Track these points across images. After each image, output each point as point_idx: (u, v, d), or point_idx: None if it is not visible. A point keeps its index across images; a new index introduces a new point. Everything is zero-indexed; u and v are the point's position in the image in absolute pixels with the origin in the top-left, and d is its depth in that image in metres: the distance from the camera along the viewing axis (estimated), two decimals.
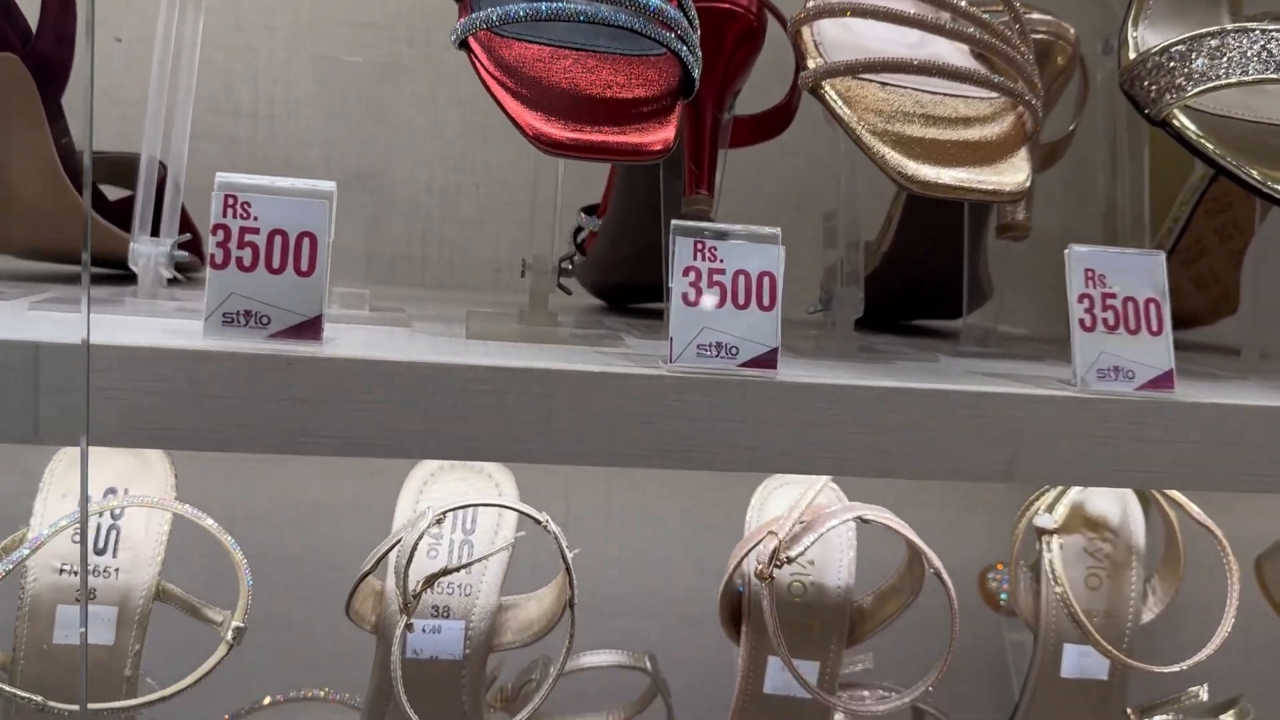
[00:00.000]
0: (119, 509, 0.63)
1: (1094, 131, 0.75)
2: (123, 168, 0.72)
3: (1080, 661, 0.70)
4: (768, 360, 0.51)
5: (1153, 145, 0.76)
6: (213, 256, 0.47)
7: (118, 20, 0.86)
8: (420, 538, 0.56)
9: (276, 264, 0.48)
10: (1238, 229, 0.78)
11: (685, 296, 0.51)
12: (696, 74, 0.55)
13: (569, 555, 0.58)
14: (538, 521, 0.58)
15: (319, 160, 0.91)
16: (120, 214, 0.65)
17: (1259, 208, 0.73)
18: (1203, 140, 0.61)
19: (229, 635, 0.59)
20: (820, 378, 0.52)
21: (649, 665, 0.70)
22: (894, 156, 0.54)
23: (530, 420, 0.49)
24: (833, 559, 0.67)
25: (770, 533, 0.61)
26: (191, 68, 0.62)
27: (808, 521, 0.62)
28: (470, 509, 0.64)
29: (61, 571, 0.62)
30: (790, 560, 0.60)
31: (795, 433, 0.51)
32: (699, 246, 0.52)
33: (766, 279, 0.52)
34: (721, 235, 0.52)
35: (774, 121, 0.72)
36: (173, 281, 0.62)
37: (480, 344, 0.55)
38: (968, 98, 0.58)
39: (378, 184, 0.92)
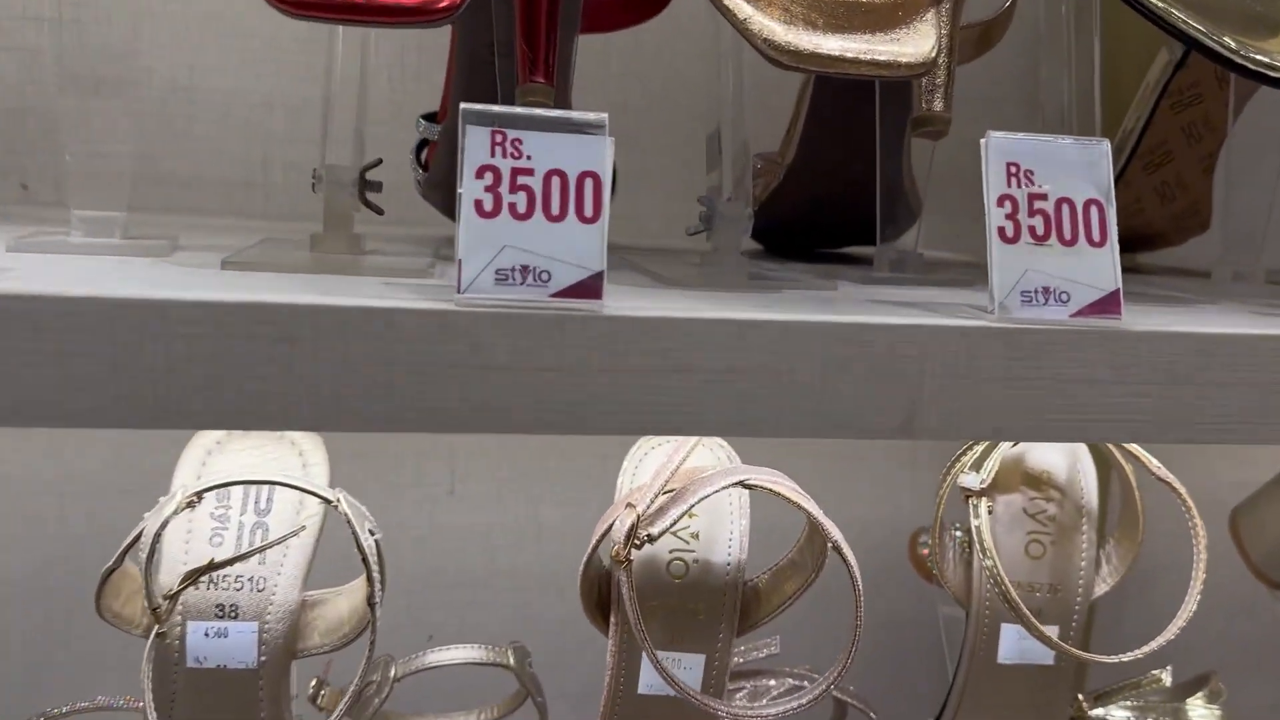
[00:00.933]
0: None
1: (1036, 11, 0.63)
2: None
3: (1020, 644, 0.59)
4: (590, 288, 0.39)
5: (1107, 29, 0.64)
6: None
7: None
8: (164, 525, 0.44)
9: None
10: (1209, 128, 0.65)
11: (479, 205, 0.39)
12: None
13: (366, 542, 0.46)
14: (327, 501, 0.46)
15: (138, 72, 0.77)
16: None
17: (1232, 99, 0.61)
18: (1166, 5, 0.49)
19: None
20: (661, 309, 0.40)
21: (511, 660, 0.58)
22: (760, 21, 0.41)
23: (264, 373, 0.37)
24: (720, 531, 0.56)
25: (629, 505, 0.49)
26: None
27: (677, 490, 0.50)
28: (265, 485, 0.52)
29: None
30: (652, 539, 0.48)
31: (627, 383, 0.39)
32: (499, 139, 0.39)
33: (589, 181, 0.39)
34: (529, 123, 0.40)
35: None
36: None
37: (239, 278, 0.43)
38: None
39: (207, 99, 0.79)
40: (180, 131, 0.77)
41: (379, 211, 0.51)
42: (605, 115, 0.40)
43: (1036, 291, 0.42)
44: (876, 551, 0.79)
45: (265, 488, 0.51)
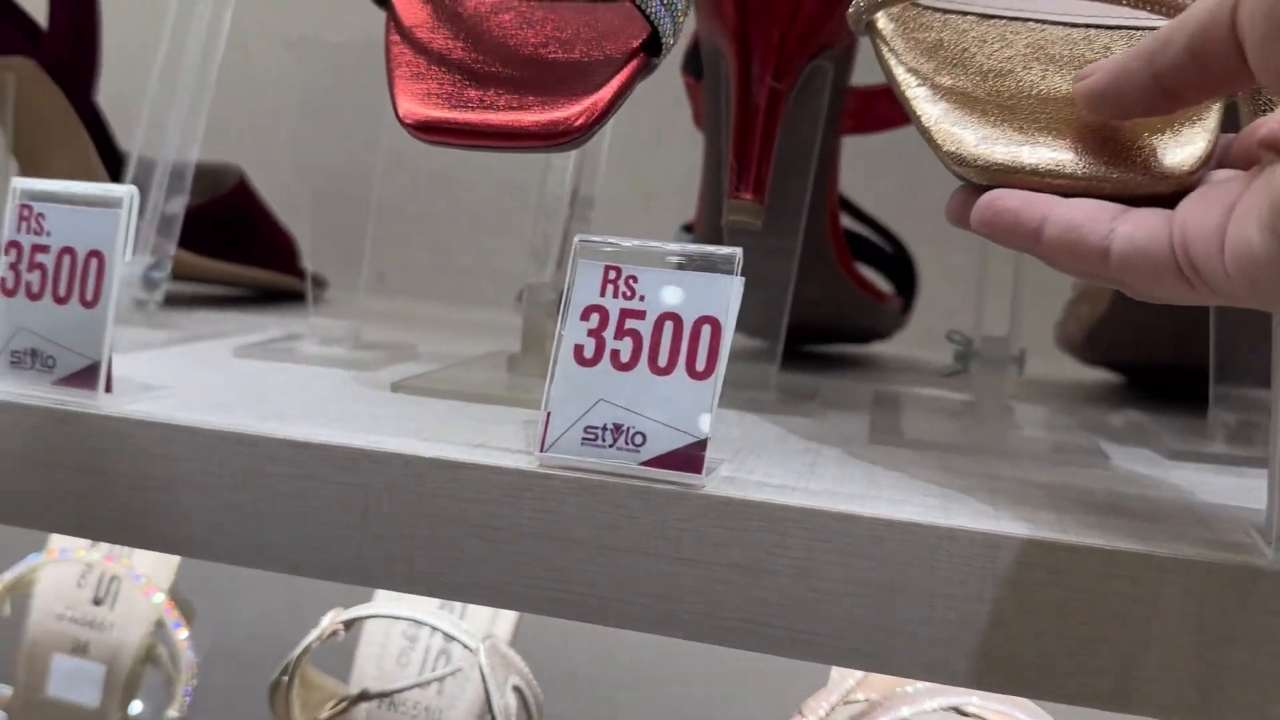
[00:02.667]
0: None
1: None
2: (200, 175, 0.67)
3: None
4: (688, 459, 0.32)
5: None
6: (3, 281, 0.38)
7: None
8: (305, 652, 0.44)
9: (63, 291, 0.38)
10: None
11: (579, 352, 0.34)
12: (663, 22, 0.37)
13: (499, 701, 0.42)
14: (468, 648, 0.43)
15: (473, 171, 0.81)
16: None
17: None
18: None
19: None
20: (784, 493, 0.32)
21: None
22: (948, 128, 0.32)
23: (338, 523, 0.35)
24: None
25: (799, 715, 0.40)
26: (208, 65, 0.54)
27: (871, 703, 0.40)
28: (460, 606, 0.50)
29: (61, 618, 0.57)
30: None
31: (724, 582, 0.32)
32: (611, 276, 0.34)
33: (707, 329, 0.33)
34: (647, 258, 0.34)
35: None
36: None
37: (398, 403, 0.41)
38: (1133, 29, 0.34)
39: (525, 197, 0.81)
40: (518, 227, 0.80)
41: None
42: (738, 250, 0.33)
43: None
44: None
45: (460, 609, 0.49)
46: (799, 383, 0.51)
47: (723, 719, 0.74)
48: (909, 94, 0.34)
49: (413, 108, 0.37)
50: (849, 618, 0.31)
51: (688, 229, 0.58)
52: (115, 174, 0.60)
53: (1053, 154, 0.31)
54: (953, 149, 0.32)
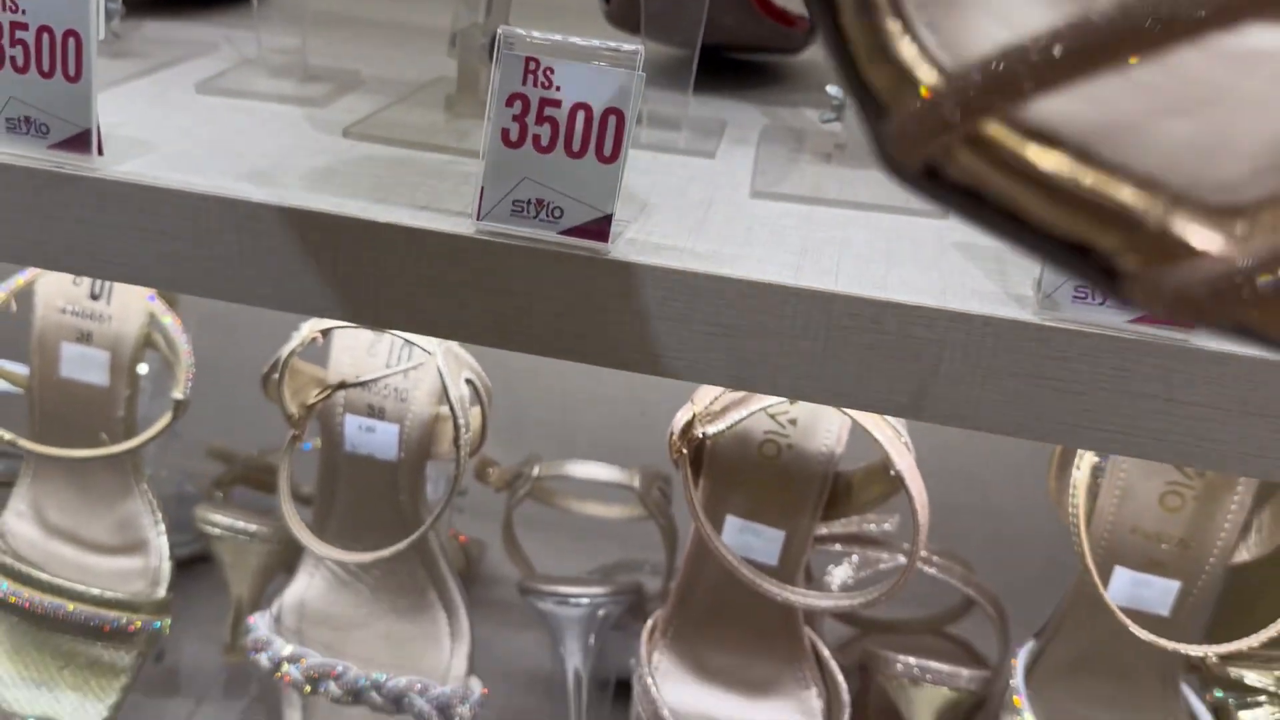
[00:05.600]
0: None
1: None
2: None
3: (1134, 590, 0.55)
4: (597, 229, 0.40)
5: None
6: None
7: None
8: (292, 354, 0.53)
9: (47, 66, 0.42)
10: None
11: (506, 135, 0.40)
12: None
13: (456, 393, 0.52)
14: (427, 352, 0.52)
15: None
16: None
17: None
18: None
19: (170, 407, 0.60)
20: (674, 255, 0.40)
21: (637, 484, 0.64)
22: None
23: (313, 269, 0.42)
24: (821, 422, 0.56)
25: (691, 401, 0.51)
26: None
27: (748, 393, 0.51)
28: None
29: (64, 312, 0.65)
30: (706, 439, 0.50)
31: (629, 323, 0.40)
32: (531, 67, 0.40)
33: (613, 119, 0.39)
34: (561, 51, 0.39)
35: None
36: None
37: (350, 153, 0.47)
38: None
39: None
40: None
41: None
42: (640, 47, 0.39)
43: (1090, 290, 0.37)
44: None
45: None
46: (709, 114, 0.57)
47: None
48: None
49: None
50: (723, 353, 0.40)
51: None
52: None
53: None
54: None
